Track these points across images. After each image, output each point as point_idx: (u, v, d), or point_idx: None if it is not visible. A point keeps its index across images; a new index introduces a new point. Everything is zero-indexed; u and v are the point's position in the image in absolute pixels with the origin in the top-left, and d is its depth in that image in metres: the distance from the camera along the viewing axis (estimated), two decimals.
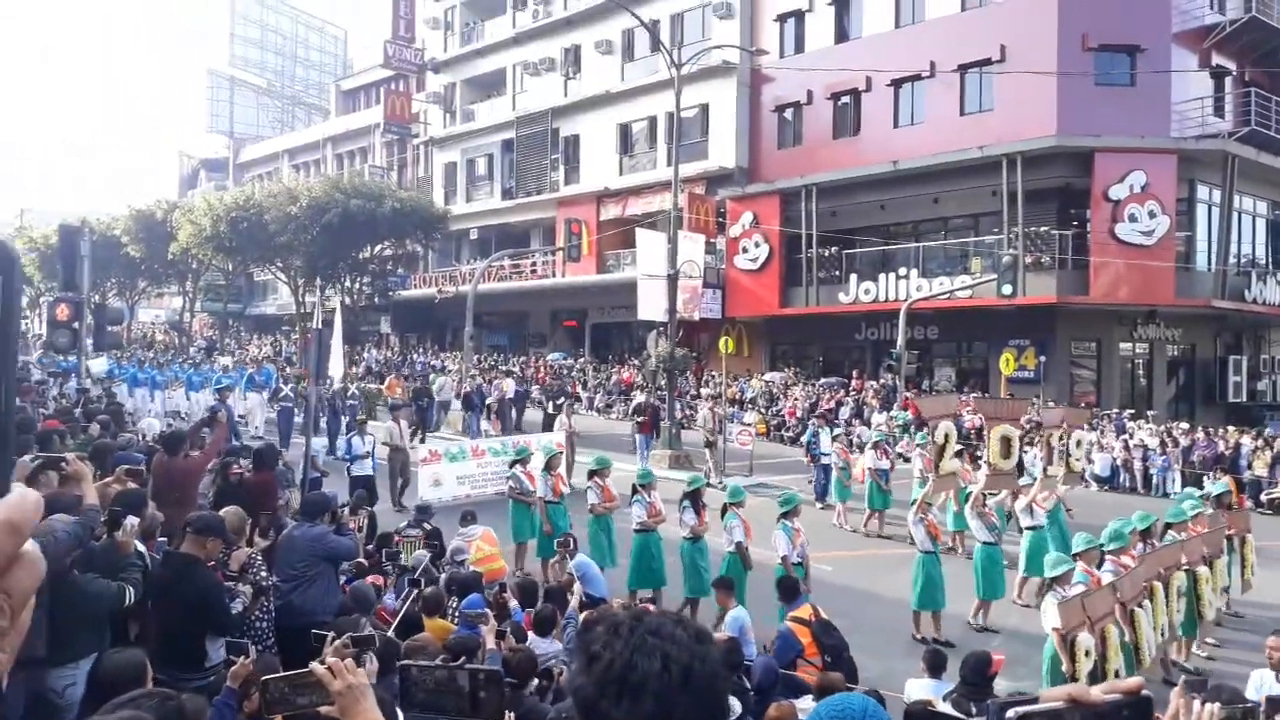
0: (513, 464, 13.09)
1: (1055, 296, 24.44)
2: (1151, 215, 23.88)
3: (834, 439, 17.03)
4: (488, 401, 25.12)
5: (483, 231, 40.88)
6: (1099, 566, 8.54)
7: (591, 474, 11.77)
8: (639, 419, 21.31)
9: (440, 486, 15.82)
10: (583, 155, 36.64)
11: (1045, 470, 12.58)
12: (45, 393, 14.84)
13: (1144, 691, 1.13)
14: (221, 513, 6.53)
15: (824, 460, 17.20)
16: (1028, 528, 11.67)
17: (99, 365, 25.63)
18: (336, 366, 23.92)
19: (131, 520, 5.08)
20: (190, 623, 5.25)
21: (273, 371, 26.68)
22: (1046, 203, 25.30)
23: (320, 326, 18.06)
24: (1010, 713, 1.12)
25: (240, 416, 24.12)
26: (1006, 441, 11.45)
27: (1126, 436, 21.54)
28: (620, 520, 11.76)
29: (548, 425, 21.75)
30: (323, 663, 2.02)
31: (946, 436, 11.24)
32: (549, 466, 12.40)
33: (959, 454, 12.49)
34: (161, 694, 2.16)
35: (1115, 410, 23.92)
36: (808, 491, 16.69)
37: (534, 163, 38.64)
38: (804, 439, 19.69)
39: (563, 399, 23.03)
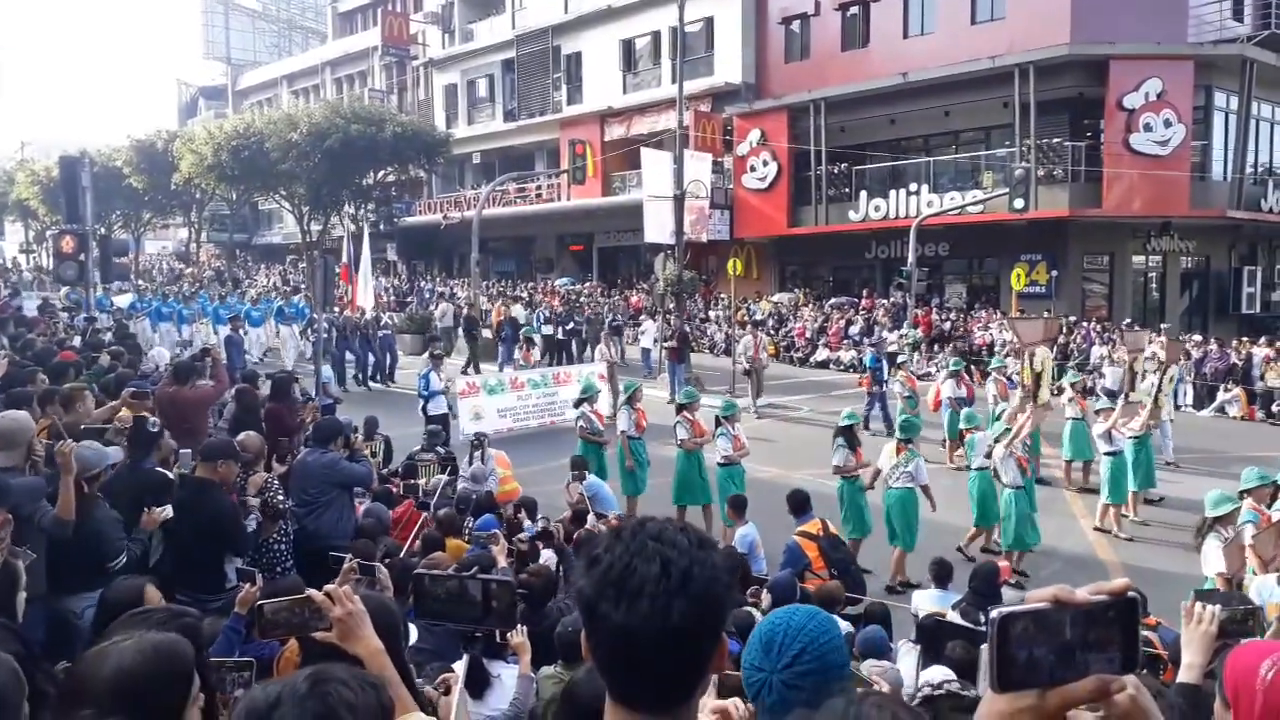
0: (579, 402, 12.49)
1: (1068, 210, 24.08)
2: (1167, 124, 23.37)
3: (899, 366, 16.11)
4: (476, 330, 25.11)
5: (485, 155, 40.35)
6: (1270, 505, 7.48)
7: (680, 408, 11.34)
8: (668, 345, 21.12)
9: (481, 420, 15.53)
10: (585, 74, 35.91)
11: (1126, 395, 12.19)
12: (56, 325, 14.87)
13: (1130, 593, 1.11)
14: (240, 437, 6.60)
15: (887, 389, 16.33)
16: (1107, 453, 11.29)
17: (122, 300, 25.68)
18: (367, 296, 23.86)
19: (162, 510, 5.09)
20: (208, 543, 5.35)
21: (302, 304, 26.51)
22: (1059, 114, 24.76)
23: (324, 254, 17.94)
24: (993, 612, 1.11)
25: (269, 349, 24.25)
26: (1043, 367, 11.00)
27: (1139, 350, 21.42)
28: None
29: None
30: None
31: (1044, 364, 10.79)
32: (631, 400, 11.77)
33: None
34: (171, 609, 2.19)
35: (1126, 323, 23.77)
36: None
37: (535, 83, 37.92)
38: (865, 362, 18.85)
39: (604, 327, 22.83)
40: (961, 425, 11.30)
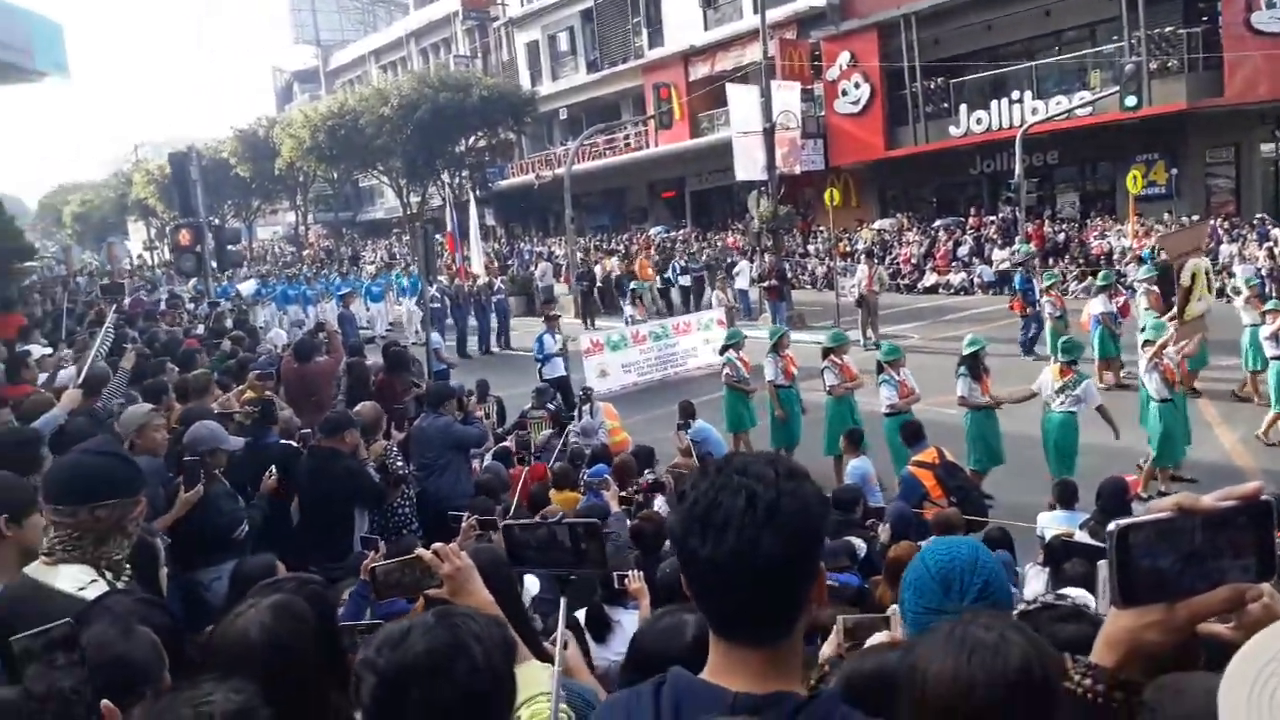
0: (724, 349, 11.84)
1: (1185, 103, 22.55)
2: None
3: (1049, 287, 14.96)
4: (597, 285, 25.24)
5: (572, 110, 40.28)
6: None
7: (827, 352, 10.49)
8: (766, 284, 20.85)
9: (607, 377, 15.72)
10: (664, 14, 35.28)
11: None
12: (181, 316, 15.67)
13: (1264, 495, 1.04)
14: (358, 408, 6.86)
15: (1040, 309, 15.22)
16: (1274, 357, 10.54)
17: (247, 286, 26.86)
18: (478, 262, 24.31)
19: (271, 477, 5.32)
20: (341, 504, 5.61)
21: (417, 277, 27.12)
22: (1171, 0, 23.12)
23: (424, 224, 18.32)
24: (1112, 524, 1.06)
25: (392, 323, 25.03)
26: (1192, 279, 10.10)
27: (1271, 244, 20.10)
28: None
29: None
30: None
31: (1194, 276, 9.91)
32: (777, 347, 11.03)
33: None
34: (298, 577, 2.30)
35: (1259, 217, 22.26)
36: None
37: (616, 29, 37.51)
38: (1015, 285, 17.70)
39: (721, 272, 22.66)
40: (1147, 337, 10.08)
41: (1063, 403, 9.15)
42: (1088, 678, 1.13)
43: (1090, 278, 20.04)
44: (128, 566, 2.92)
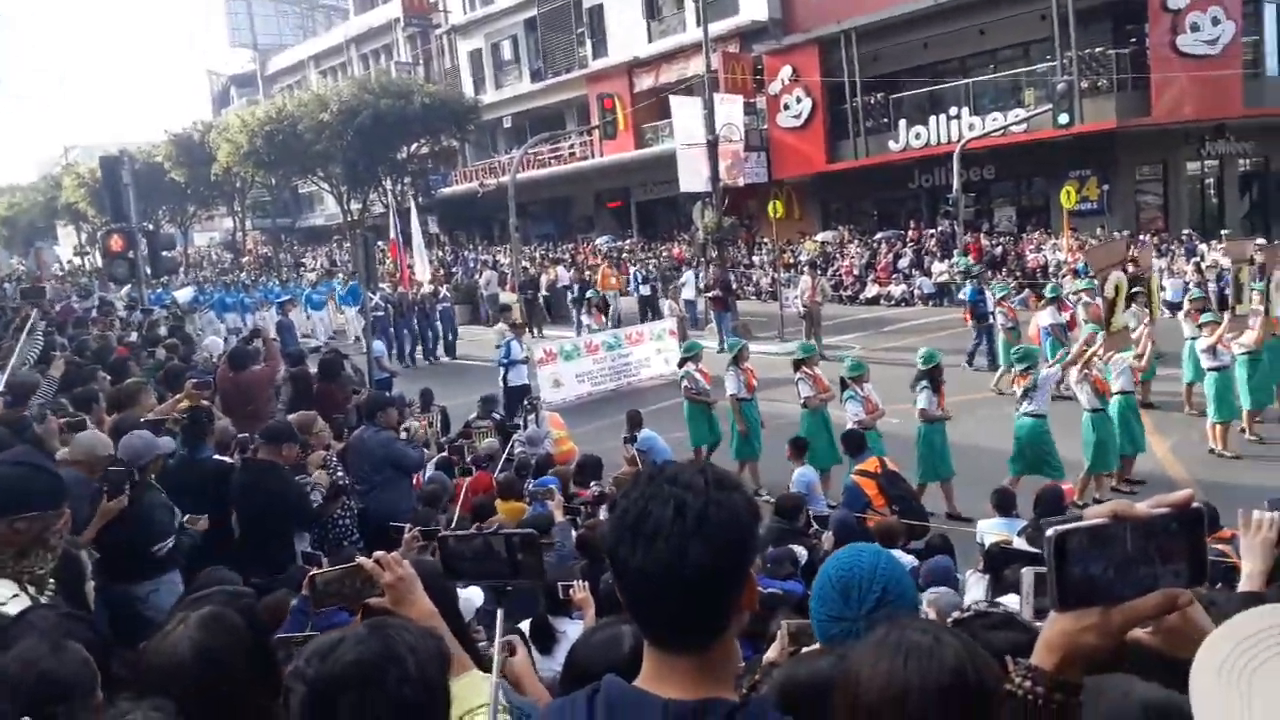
0: (683, 361, 11.71)
1: (1115, 121, 23.28)
2: (1215, 22, 22.39)
3: (1000, 298, 15.01)
4: (542, 292, 25.16)
5: (516, 119, 40.17)
6: None
7: (798, 364, 10.40)
8: (711, 295, 20.93)
9: (561, 387, 15.67)
10: (609, 25, 35.40)
11: (1234, 309, 11.54)
12: (113, 324, 15.23)
13: (1195, 504, 1.07)
14: (293, 416, 6.71)
15: (990, 320, 15.40)
16: (1211, 369, 10.73)
17: (184, 294, 26.22)
18: (423, 269, 24.03)
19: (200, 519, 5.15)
20: (276, 521, 5.48)
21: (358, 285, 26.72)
22: (1100, 21, 23.87)
23: (364, 232, 18.05)
24: (1049, 530, 1.07)
25: (335, 331, 24.61)
26: (1116, 291, 10.45)
27: (1198, 259, 20.80)
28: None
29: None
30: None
31: (1117, 289, 10.06)
32: (737, 360, 10.92)
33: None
34: (226, 590, 2.24)
35: (1185, 233, 23.02)
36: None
37: (559, 39, 37.51)
38: (964, 296, 17.70)
39: (673, 283, 22.64)
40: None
41: (1027, 407, 9.27)
42: (1028, 679, 1.15)
43: (1027, 290, 20.56)
44: (51, 581, 2.81)
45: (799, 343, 11.00)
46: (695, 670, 1.43)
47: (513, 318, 16.10)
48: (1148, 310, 12.18)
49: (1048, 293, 14.81)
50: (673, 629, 1.43)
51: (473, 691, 1.97)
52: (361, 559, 2.08)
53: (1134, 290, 12.30)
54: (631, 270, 25.79)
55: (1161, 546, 1.06)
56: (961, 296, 22.81)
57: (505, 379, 13.95)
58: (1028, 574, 1.76)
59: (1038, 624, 2.09)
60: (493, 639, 3.66)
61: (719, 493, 1.40)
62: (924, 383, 9.54)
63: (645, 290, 23.92)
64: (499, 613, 2.11)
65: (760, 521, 1.65)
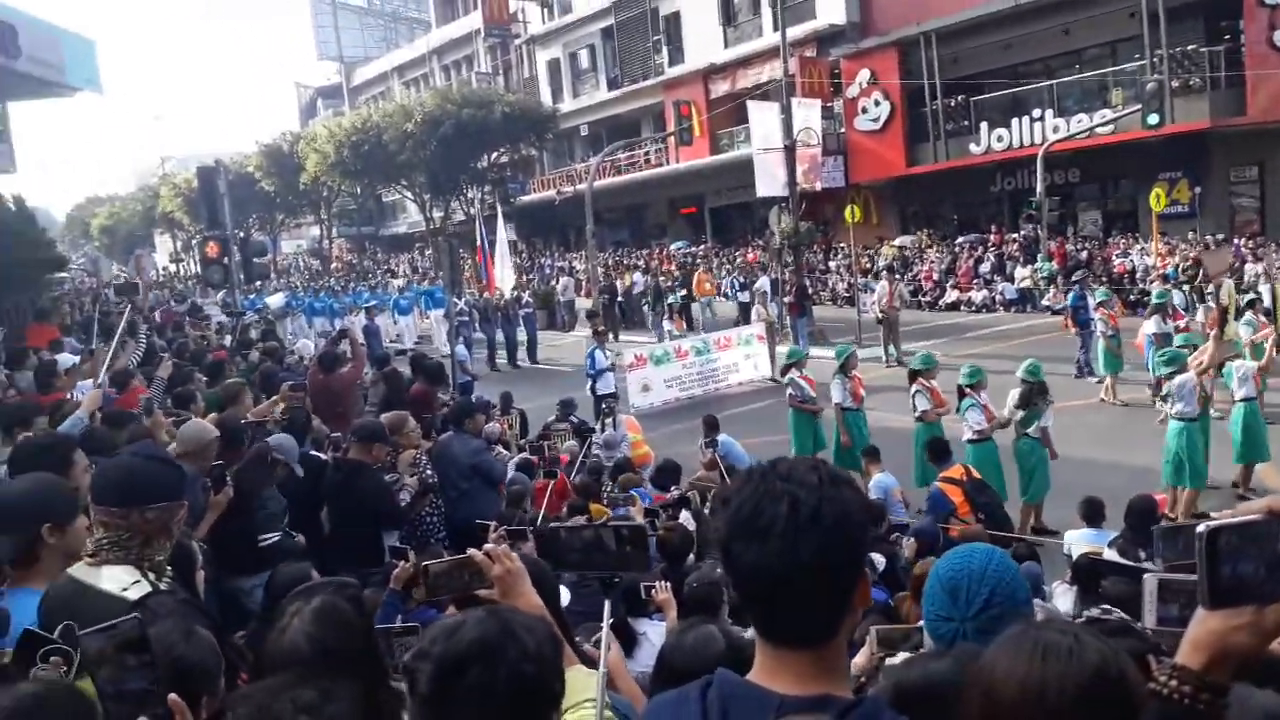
0: (786, 368, 11.37)
1: (1208, 121, 22.44)
2: None
3: (1100, 304, 14.26)
4: (618, 299, 25.31)
5: (593, 126, 40.52)
6: None
7: (914, 375, 9.84)
8: (787, 300, 20.73)
9: (650, 392, 15.79)
10: (685, 32, 35.49)
11: None
12: (209, 327, 15.85)
13: None
14: (385, 416, 6.88)
15: (1093, 328, 14.57)
16: None
17: (276, 300, 27.14)
18: (507, 276, 24.42)
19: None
20: (364, 520, 5.64)
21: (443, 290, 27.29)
22: (1192, 18, 23.03)
23: (448, 238, 18.44)
24: (1201, 526, 1.06)
25: (421, 336, 25.20)
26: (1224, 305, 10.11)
27: None
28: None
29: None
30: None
31: (1229, 295, 10.00)
32: (845, 368, 10.51)
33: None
34: (333, 581, 2.33)
35: None
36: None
37: (636, 47, 37.73)
38: (1067, 303, 16.88)
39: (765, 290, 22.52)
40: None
41: (1178, 408, 8.94)
42: (1174, 679, 1.13)
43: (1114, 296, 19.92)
44: (169, 568, 2.96)
45: (921, 353, 10.39)
46: (808, 666, 1.44)
47: (595, 325, 16.16)
48: (1270, 318, 11.65)
49: (1155, 299, 14.12)
50: (786, 625, 1.44)
51: (578, 686, 2.01)
52: (472, 550, 2.15)
53: (1251, 298, 11.87)
54: (729, 278, 25.72)
55: None
56: (1046, 302, 22.39)
57: (593, 389, 13.87)
58: (1150, 580, 1.73)
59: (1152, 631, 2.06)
60: (590, 634, 3.74)
61: (832, 489, 1.41)
62: (1035, 398, 9.08)
63: (744, 297, 23.74)
64: (606, 604, 2.17)
65: (874, 519, 1.67)
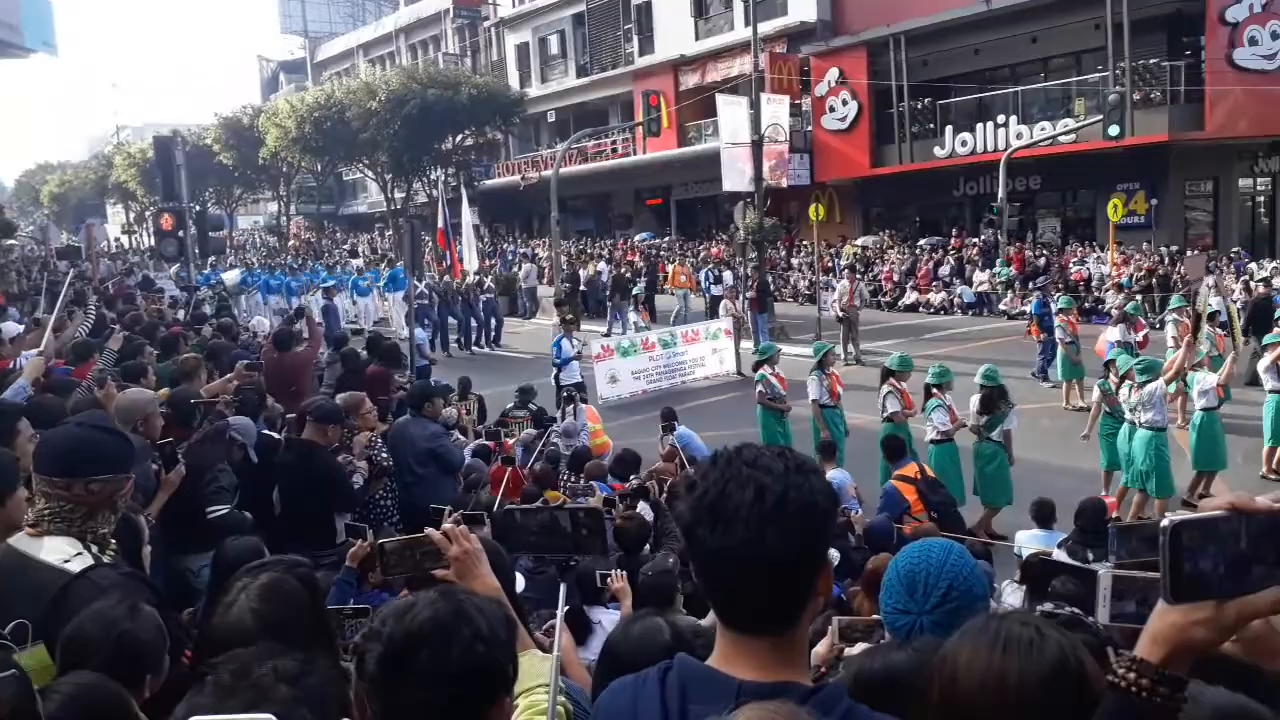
0: (758, 364, 11.19)
1: (1167, 134, 22.90)
2: (1274, 36, 21.93)
3: (1060, 310, 14.30)
4: (580, 288, 25.14)
5: (560, 113, 40.32)
6: None
7: (887, 374, 9.77)
8: (749, 295, 20.71)
9: (617, 383, 15.73)
10: (656, 22, 35.42)
11: None
12: (161, 301, 15.51)
13: None
14: (341, 397, 6.77)
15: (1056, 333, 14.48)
16: (1271, 390, 10.04)
17: (232, 276, 26.65)
18: (471, 259, 24.06)
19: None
20: (317, 502, 5.55)
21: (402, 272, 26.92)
22: (1155, 32, 23.47)
23: (410, 220, 18.18)
24: (1165, 520, 1.06)
25: (380, 318, 24.86)
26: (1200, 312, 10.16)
27: (1247, 277, 20.41)
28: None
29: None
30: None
31: (1205, 301, 10.01)
32: (822, 365, 10.48)
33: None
34: (284, 560, 2.27)
35: (1235, 250, 22.60)
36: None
37: (607, 35, 37.59)
38: (1029, 309, 17.02)
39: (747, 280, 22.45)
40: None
41: (1146, 417, 8.93)
42: (1132, 671, 1.12)
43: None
44: (113, 541, 2.88)
45: (897, 354, 10.33)
46: (770, 653, 1.43)
47: (564, 314, 16.03)
48: (1226, 331, 11.85)
49: (1128, 309, 14.22)
50: (748, 611, 1.44)
51: (531, 670, 1.99)
52: (430, 530, 2.11)
53: (1212, 310, 12.10)
54: (704, 270, 25.64)
55: (1277, 545, 1.04)
56: (1003, 307, 22.72)
57: (557, 378, 13.69)
58: (1105, 577, 1.74)
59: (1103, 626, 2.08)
60: (544, 621, 3.70)
61: (798, 477, 1.40)
62: (1005, 403, 9.13)
63: (717, 290, 23.55)
64: (562, 588, 2.14)
65: (839, 507, 1.65)
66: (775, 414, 10.79)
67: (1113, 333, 13.48)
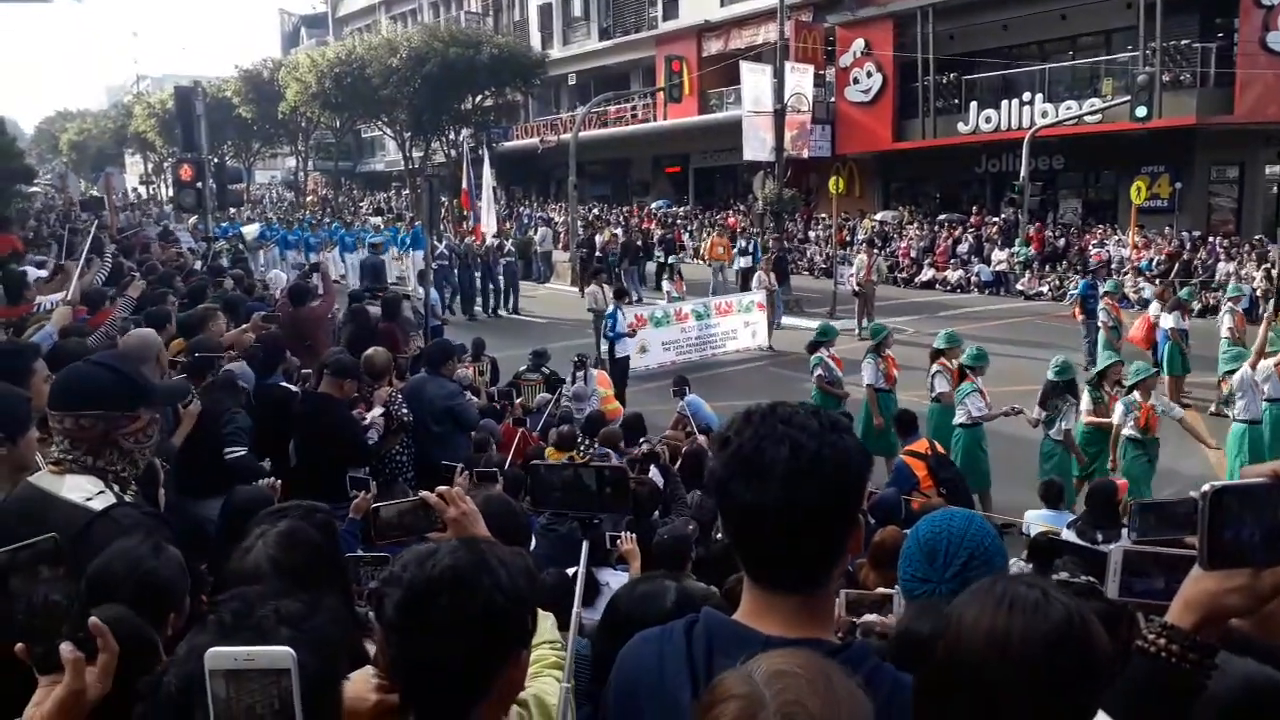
0: (813, 346, 10.70)
1: (1194, 117, 22.53)
2: None
3: (1106, 294, 14.00)
4: (596, 254, 24.98)
5: (581, 76, 39.98)
6: None
7: (936, 354, 9.52)
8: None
9: (647, 353, 15.50)
10: None
11: None
12: (179, 251, 15.56)
13: None
14: (370, 352, 6.78)
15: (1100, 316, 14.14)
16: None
17: (250, 230, 26.65)
18: (490, 221, 23.76)
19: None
20: (331, 455, 5.59)
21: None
22: (1188, 13, 23.02)
23: (428, 178, 18.07)
24: (1205, 486, 1.06)
25: (399, 277, 24.79)
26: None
27: (1269, 265, 20.19)
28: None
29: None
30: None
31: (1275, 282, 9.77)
32: (878, 348, 10.17)
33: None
34: (303, 505, 2.29)
35: (1258, 237, 22.34)
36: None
37: None
38: (1075, 292, 16.42)
39: (768, 251, 22.15)
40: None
41: (1239, 412, 8.76)
42: (1163, 637, 1.12)
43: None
44: (134, 485, 2.90)
45: (944, 332, 10.00)
46: (797, 610, 1.44)
47: (618, 286, 15.53)
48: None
49: (1182, 295, 13.93)
50: (778, 568, 1.44)
51: (538, 628, 2.01)
52: (425, 493, 2.11)
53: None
54: (740, 243, 25.33)
55: None
56: (1020, 287, 22.58)
57: (611, 352, 13.26)
58: (1116, 551, 1.74)
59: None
60: (552, 580, 3.73)
61: (833, 435, 1.41)
62: (1068, 397, 8.83)
63: (745, 262, 22.79)
64: (584, 545, 2.15)
65: (871, 468, 1.65)
66: (834, 400, 10.20)
67: (1167, 320, 12.98)
